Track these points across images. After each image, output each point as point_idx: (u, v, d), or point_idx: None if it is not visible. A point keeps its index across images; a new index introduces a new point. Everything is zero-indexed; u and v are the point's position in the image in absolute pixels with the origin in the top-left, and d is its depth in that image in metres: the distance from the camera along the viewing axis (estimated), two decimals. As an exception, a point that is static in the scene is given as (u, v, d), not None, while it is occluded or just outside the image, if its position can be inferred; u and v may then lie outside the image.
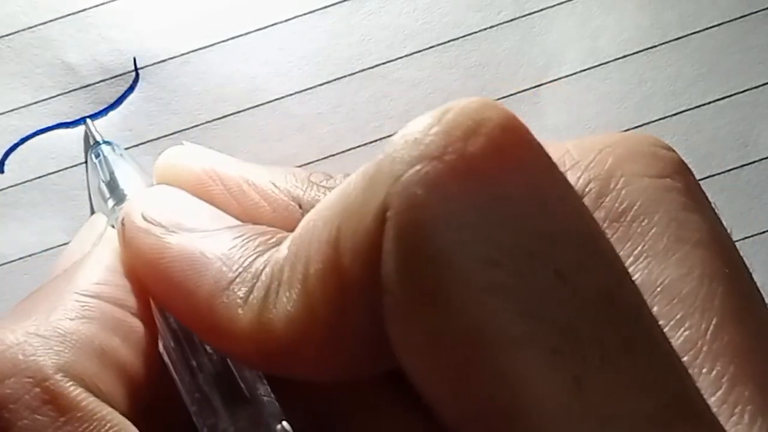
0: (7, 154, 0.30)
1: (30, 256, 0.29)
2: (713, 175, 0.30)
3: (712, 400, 0.16)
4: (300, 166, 0.30)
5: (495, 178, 0.14)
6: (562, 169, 0.19)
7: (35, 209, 0.29)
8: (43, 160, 0.30)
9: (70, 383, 0.17)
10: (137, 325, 0.19)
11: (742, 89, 0.30)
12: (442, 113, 0.15)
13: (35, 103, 0.30)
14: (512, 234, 0.14)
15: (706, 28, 0.30)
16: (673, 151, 0.20)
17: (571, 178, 0.19)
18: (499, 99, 0.30)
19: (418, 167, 0.14)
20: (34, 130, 0.30)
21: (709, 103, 0.30)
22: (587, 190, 0.19)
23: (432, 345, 0.14)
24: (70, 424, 0.17)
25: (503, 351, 0.14)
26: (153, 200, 0.21)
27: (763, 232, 0.30)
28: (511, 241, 0.14)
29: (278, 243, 0.18)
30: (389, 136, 0.30)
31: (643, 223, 0.18)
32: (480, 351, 0.14)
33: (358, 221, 0.15)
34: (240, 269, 0.18)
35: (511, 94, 0.30)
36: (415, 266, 0.14)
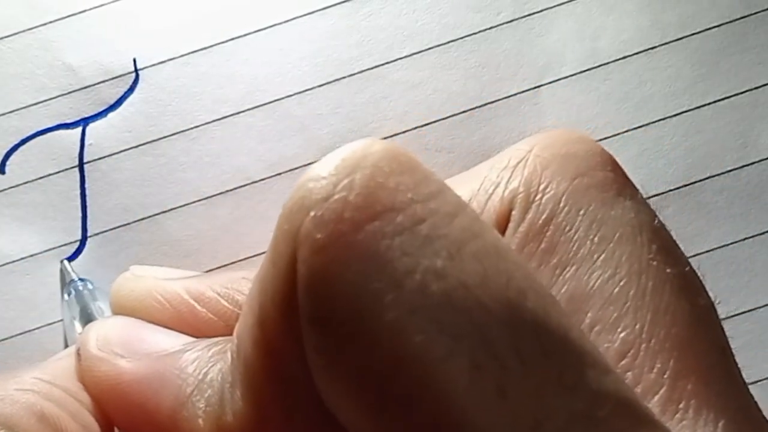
0: (8, 154, 0.30)
1: (31, 256, 0.29)
2: (713, 176, 0.30)
3: (655, 399, 0.16)
4: (300, 167, 0.30)
5: (387, 205, 0.14)
6: (484, 197, 0.19)
7: (36, 210, 0.30)
8: (43, 161, 0.30)
9: (2, 430, 0.18)
10: (87, 413, 0.20)
11: (741, 90, 0.30)
12: (329, 159, 0.15)
13: (36, 104, 0.30)
14: (411, 256, 0.14)
15: (706, 29, 0.30)
16: (589, 141, 0.20)
17: (496, 199, 0.19)
18: (499, 99, 0.30)
19: (313, 213, 0.14)
20: (34, 131, 0.30)
21: (709, 103, 0.30)
22: (512, 206, 0.19)
23: (356, 383, 0.14)
24: None
25: (424, 374, 0.14)
26: (106, 329, 0.21)
27: (764, 233, 0.30)
28: (412, 264, 0.14)
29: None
30: (389, 136, 0.30)
31: (566, 231, 0.18)
32: (402, 380, 0.14)
33: (274, 289, 0.15)
34: (196, 381, 0.18)
35: (511, 95, 0.30)
36: (328, 308, 0.14)
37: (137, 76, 0.30)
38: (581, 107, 0.30)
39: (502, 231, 0.19)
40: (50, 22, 0.30)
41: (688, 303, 0.18)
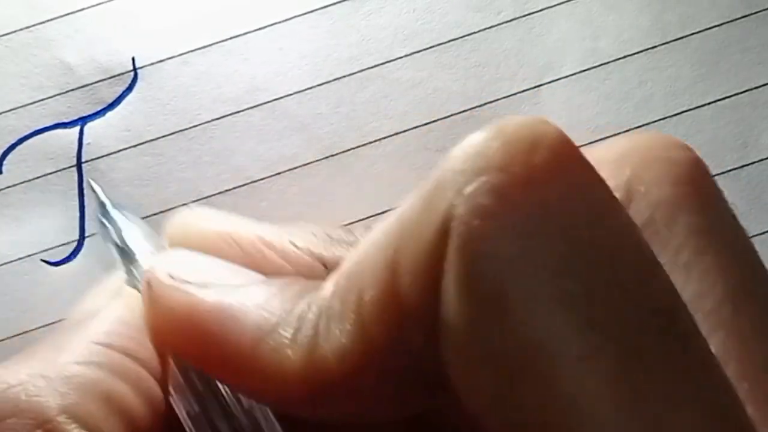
0: (5, 154, 0.30)
1: (29, 256, 0.29)
2: (713, 176, 0.30)
3: None
4: (299, 167, 0.30)
5: (558, 190, 0.14)
6: None
7: (34, 209, 0.29)
8: (41, 161, 0.30)
9: (73, 425, 0.17)
10: (147, 376, 0.19)
11: (741, 90, 0.30)
12: (500, 128, 0.15)
13: (33, 103, 0.30)
14: (578, 246, 0.14)
15: (706, 29, 0.30)
16: (690, 150, 0.19)
17: None
18: (499, 99, 0.30)
19: (484, 178, 0.14)
20: (32, 130, 0.30)
21: (709, 103, 0.30)
22: None
23: (490, 359, 0.14)
24: None
25: (565, 367, 0.13)
26: (178, 261, 0.20)
27: (763, 233, 0.30)
28: (577, 253, 0.14)
29: (317, 287, 0.17)
30: (389, 136, 0.30)
31: (663, 236, 0.18)
32: (541, 365, 0.13)
33: (418, 239, 0.15)
34: (283, 313, 0.17)
35: (511, 94, 0.30)
36: (479, 276, 0.14)
37: (136, 75, 0.30)
38: (581, 107, 0.30)
39: None
40: (48, 20, 0.30)
41: None
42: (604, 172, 0.19)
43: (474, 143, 0.15)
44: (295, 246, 0.20)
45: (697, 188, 0.18)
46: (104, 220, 0.24)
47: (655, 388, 0.13)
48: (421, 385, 0.16)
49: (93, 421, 0.17)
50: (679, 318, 0.14)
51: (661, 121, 0.30)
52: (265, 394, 0.18)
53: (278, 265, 0.20)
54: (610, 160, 0.19)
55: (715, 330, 0.17)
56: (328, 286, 0.17)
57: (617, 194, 0.18)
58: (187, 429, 0.19)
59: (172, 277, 0.19)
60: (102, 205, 0.25)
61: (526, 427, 0.14)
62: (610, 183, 0.19)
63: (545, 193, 0.14)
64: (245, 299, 0.18)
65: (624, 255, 0.14)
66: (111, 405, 0.18)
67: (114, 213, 0.25)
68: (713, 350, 0.16)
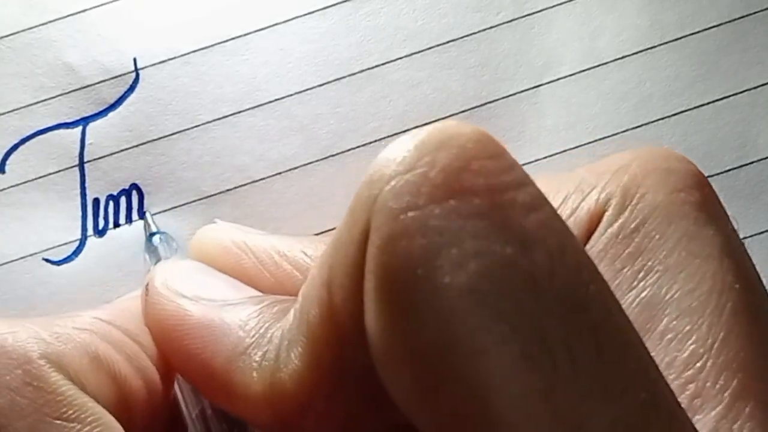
0: (7, 154, 0.30)
1: (31, 255, 0.29)
2: (712, 176, 0.30)
3: (712, 414, 0.16)
4: (300, 166, 0.30)
5: (466, 187, 0.14)
6: (579, 196, 0.20)
7: (36, 209, 0.30)
8: (43, 161, 0.30)
9: (52, 369, 0.18)
10: (144, 357, 0.20)
11: (740, 90, 0.30)
12: (416, 133, 0.15)
13: (35, 103, 0.30)
14: (482, 240, 0.14)
15: (705, 29, 0.30)
16: (689, 163, 0.20)
17: (591, 200, 0.19)
18: (498, 99, 0.30)
19: (393, 183, 0.15)
20: (34, 130, 0.30)
21: (708, 103, 0.30)
22: (606, 208, 0.19)
23: (407, 358, 0.14)
24: (48, 407, 0.17)
25: (474, 358, 0.14)
26: (177, 271, 0.21)
27: (762, 232, 0.30)
28: (481, 247, 0.14)
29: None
30: (389, 136, 0.30)
31: (656, 238, 0.18)
32: (452, 359, 0.14)
33: (345, 254, 0.15)
34: (256, 335, 0.18)
35: (511, 94, 0.30)
36: (390, 279, 0.14)
37: (137, 75, 0.30)
38: (580, 107, 0.30)
39: (592, 230, 0.19)
40: (50, 21, 0.30)
41: (761, 331, 0.18)
42: (604, 180, 0.20)
43: (389, 151, 0.15)
44: (306, 255, 0.21)
45: (693, 197, 0.19)
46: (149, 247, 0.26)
47: (567, 379, 0.14)
48: (374, 401, 0.16)
49: (75, 371, 0.18)
50: (590, 307, 0.14)
51: (660, 121, 0.30)
52: (235, 411, 0.18)
53: (290, 274, 0.21)
54: (611, 170, 0.19)
55: (699, 326, 0.17)
56: (293, 309, 0.17)
57: (614, 199, 0.19)
58: (187, 423, 0.20)
59: (167, 287, 0.20)
60: (152, 233, 0.27)
61: (449, 423, 0.14)
62: (608, 190, 0.19)
63: (451, 191, 0.14)
64: (229, 316, 0.19)
65: (533, 249, 0.14)
66: (99, 364, 0.19)
67: (156, 241, 0.27)
68: (694, 346, 0.17)
